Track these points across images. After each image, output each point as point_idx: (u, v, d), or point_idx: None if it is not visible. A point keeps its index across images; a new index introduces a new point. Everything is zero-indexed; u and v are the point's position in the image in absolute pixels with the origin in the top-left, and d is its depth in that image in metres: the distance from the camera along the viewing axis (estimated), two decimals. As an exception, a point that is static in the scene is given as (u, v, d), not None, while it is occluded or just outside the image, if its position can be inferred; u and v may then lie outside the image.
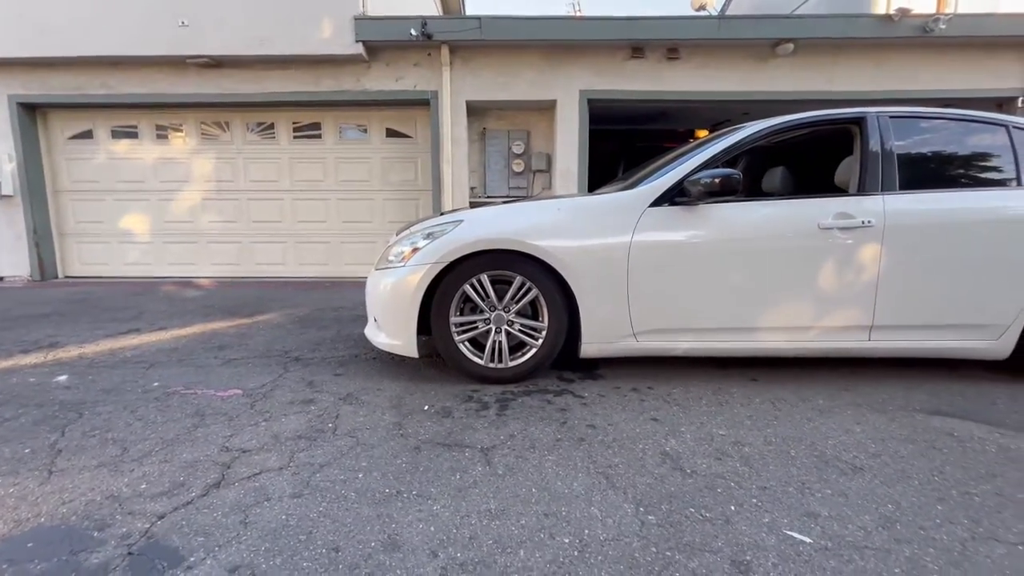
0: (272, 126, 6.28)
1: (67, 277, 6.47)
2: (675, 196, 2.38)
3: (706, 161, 2.42)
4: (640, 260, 2.34)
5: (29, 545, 1.29)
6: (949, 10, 5.43)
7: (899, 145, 2.47)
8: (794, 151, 3.10)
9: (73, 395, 2.37)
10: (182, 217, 6.40)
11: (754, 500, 1.49)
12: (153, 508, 1.45)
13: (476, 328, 2.46)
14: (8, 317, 4.12)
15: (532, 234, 2.35)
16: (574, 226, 2.39)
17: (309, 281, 6.15)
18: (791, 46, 5.54)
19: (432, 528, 1.36)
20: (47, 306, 4.58)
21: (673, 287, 2.39)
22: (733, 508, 1.45)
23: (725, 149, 2.45)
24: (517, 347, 2.49)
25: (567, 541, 1.31)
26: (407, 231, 2.61)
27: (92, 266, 6.50)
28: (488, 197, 6.38)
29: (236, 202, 6.38)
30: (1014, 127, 2.54)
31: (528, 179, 6.40)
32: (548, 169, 6.32)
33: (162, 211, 6.39)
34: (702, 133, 9.16)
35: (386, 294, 2.48)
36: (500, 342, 2.45)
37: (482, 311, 2.44)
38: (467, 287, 2.40)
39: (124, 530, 1.35)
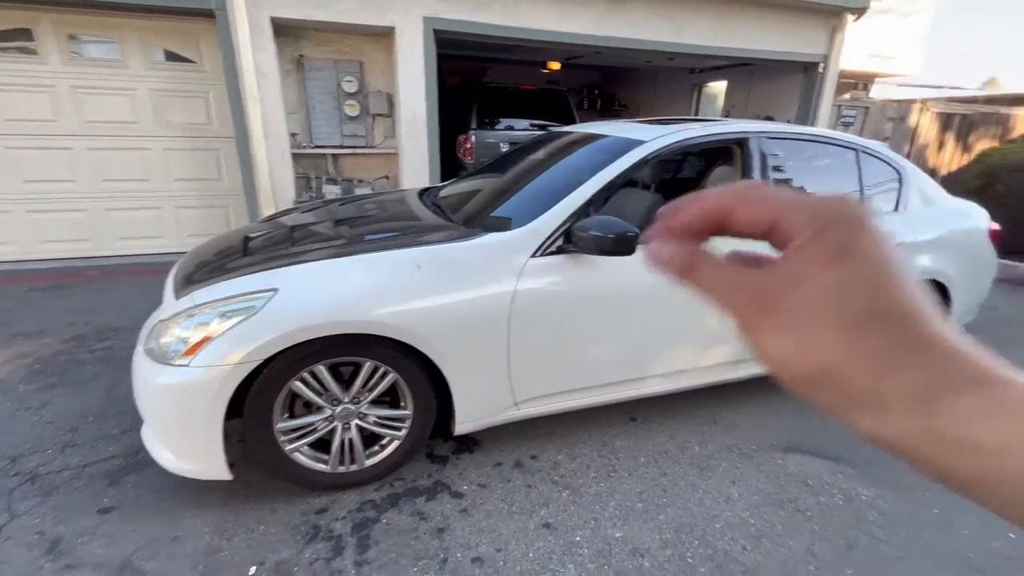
0: (-64, 28, 3.98)
1: None
2: (560, 243, 1.95)
3: (591, 198, 2.00)
4: (524, 322, 1.92)
5: None
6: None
7: (774, 172, 2.36)
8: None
9: None
10: None
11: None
12: None
13: (315, 431, 1.84)
14: None
15: (382, 305, 1.74)
16: (439, 288, 1.83)
17: (59, 268, 4.44)
18: (647, -10, 5.18)
19: None
20: None
21: (562, 347, 2.04)
22: None
23: (610, 183, 2.05)
24: (376, 435, 1.96)
25: None
26: (190, 298, 1.74)
27: None
28: (317, 147, 5.16)
29: None
30: (861, 149, 2.60)
31: (366, 125, 5.29)
32: (390, 114, 5.28)
33: None
34: (554, 65, 8.67)
35: (166, 403, 1.68)
36: (351, 439, 1.89)
37: (321, 408, 1.82)
38: (296, 384, 1.73)
39: None
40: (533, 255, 1.92)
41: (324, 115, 5.12)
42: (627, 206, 3.09)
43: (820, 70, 6.46)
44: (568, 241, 1.94)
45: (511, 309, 1.88)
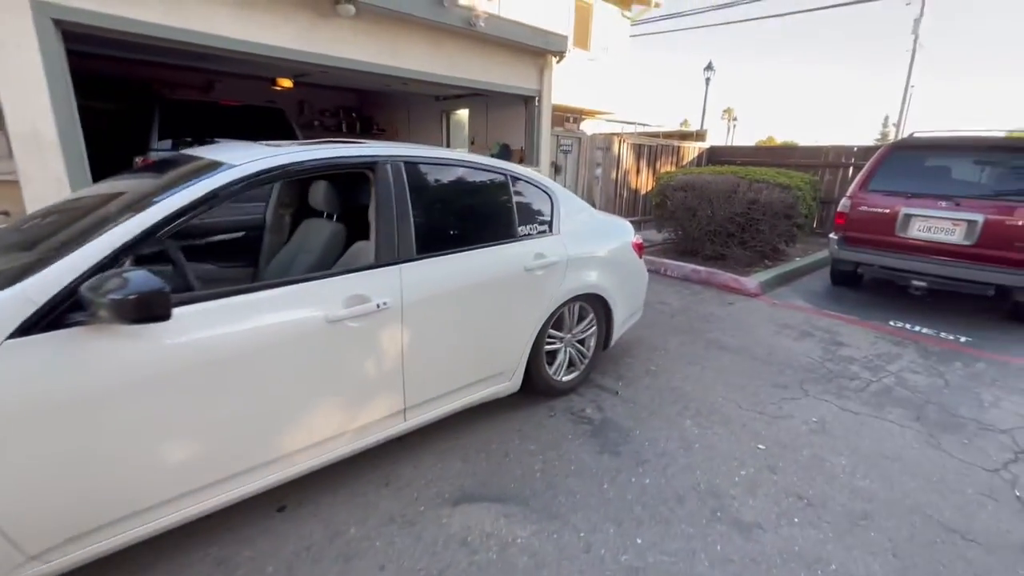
0: None
1: None
2: (71, 311, 1.35)
3: (126, 245, 1.45)
4: (10, 440, 1.25)
5: None
6: (488, 8, 5.94)
7: (416, 200, 2.17)
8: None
9: None
10: None
11: None
12: None
13: None
14: None
15: None
16: None
17: None
18: (352, 8, 4.89)
19: None
20: None
21: (97, 456, 1.42)
22: None
23: (162, 221, 1.52)
24: None
25: None
26: None
27: None
28: None
29: None
30: (511, 175, 2.65)
31: (-47, 141, 3.71)
32: (-1, 126, 3.81)
33: None
34: (285, 83, 7.84)
35: None
36: None
37: None
38: None
39: None
40: (13, 335, 1.27)
41: None
42: (309, 237, 2.65)
43: (536, 103, 7.18)
44: (81, 308, 1.35)
45: (-33, 426, 1.19)
